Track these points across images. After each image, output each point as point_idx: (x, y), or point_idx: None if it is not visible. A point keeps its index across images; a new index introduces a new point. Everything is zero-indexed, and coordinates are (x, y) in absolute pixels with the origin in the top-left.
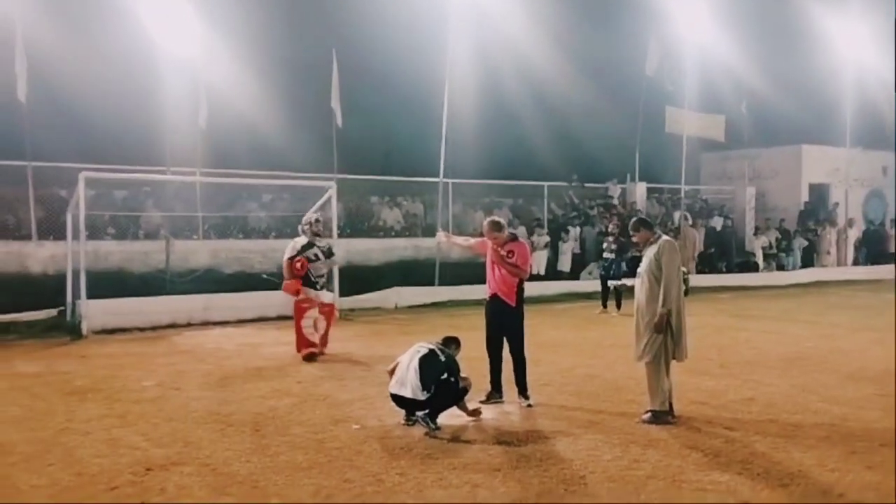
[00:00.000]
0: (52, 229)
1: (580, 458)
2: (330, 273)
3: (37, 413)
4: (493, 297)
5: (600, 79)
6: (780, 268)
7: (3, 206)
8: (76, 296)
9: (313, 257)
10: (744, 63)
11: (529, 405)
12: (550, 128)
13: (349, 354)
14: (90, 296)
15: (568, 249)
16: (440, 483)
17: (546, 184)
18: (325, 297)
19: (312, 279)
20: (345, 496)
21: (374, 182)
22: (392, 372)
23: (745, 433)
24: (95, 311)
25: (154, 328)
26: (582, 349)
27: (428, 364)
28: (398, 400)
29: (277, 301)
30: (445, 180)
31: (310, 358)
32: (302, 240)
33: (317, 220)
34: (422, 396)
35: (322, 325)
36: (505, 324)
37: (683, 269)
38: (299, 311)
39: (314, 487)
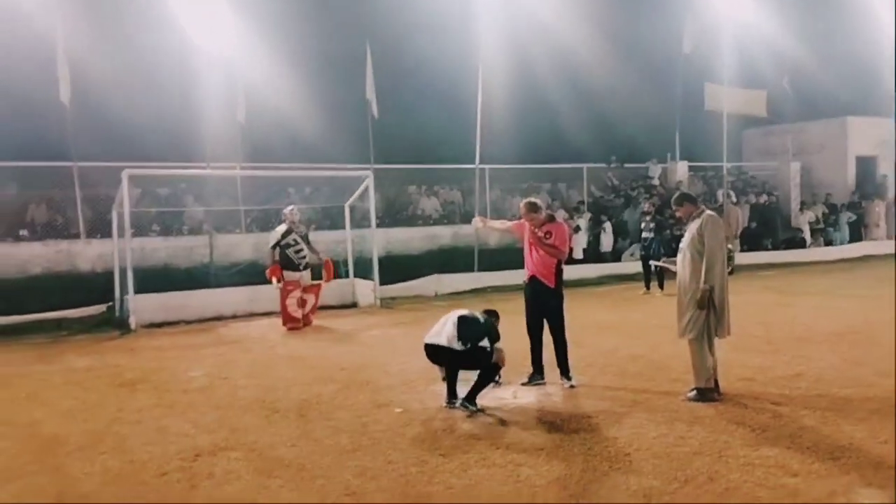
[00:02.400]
0: (100, 228)
1: (624, 437)
2: (366, 263)
3: (89, 405)
4: (532, 278)
5: (637, 57)
6: (828, 243)
7: (52, 207)
8: (124, 291)
9: (293, 242)
10: (784, 35)
11: (572, 386)
12: (587, 109)
13: (391, 341)
14: (137, 291)
15: (609, 230)
16: (483, 463)
17: (585, 166)
18: (307, 277)
19: (295, 262)
20: (389, 477)
21: (410, 171)
22: None
23: (793, 408)
24: (143, 306)
25: (200, 321)
26: (625, 330)
27: (467, 323)
28: (432, 351)
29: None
30: (482, 166)
31: (293, 329)
32: (282, 228)
33: (291, 210)
34: (457, 346)
35: (311, 300)
36: (544, 305)
37: (729, 246)
38: (285, 292)
39: (358, 469)
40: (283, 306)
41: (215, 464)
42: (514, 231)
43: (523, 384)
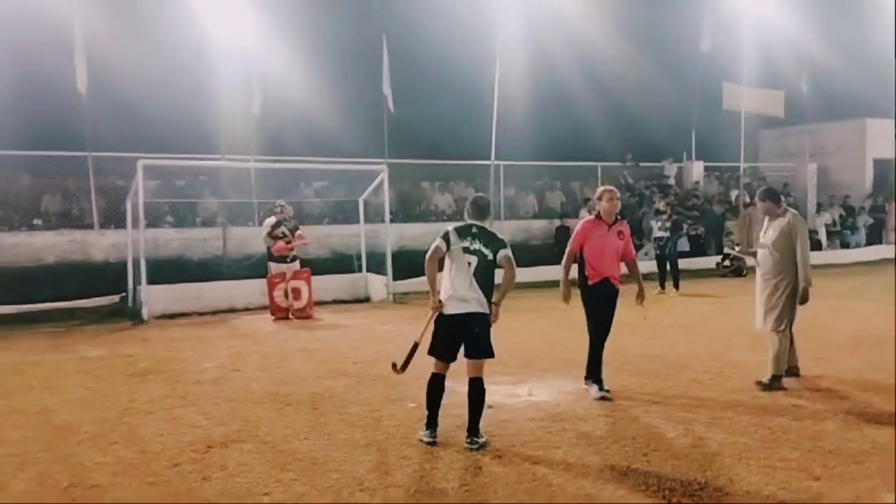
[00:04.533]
0: (113, 218)
1: (642, 437)
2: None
3: (101, 394)
4: (605, 280)
5: (655, 55)
6: (845, 245)
7: (66, 196)
8: (137, 282)
9: (281, 235)
10: (804, 34)
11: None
12: (603, 107)
13: (403, 336)
14: (150, 282)
15: None
16: (499, 460)
17: (599, 164)
18: (296, 267)
19: (283, 254)
20: (403, 472)
21: (425, 166)
22: (433, 264)
23: (814, 411)
24: (156, 297)
25: (213, 313)
26: (640, 329)
27: (483, 273)
28: (459, 318)
29: (332, 285)
30: (497, 162)
31: (280, 319)
32: (272, 219)
33: (281, 206)
34: (488, 308)
35: (305, 290)
36: (613, 307)
37: (737, 247)
38: (271, 285)
39: (373, 464)
40: (271, 297)
41: (228, 455)
42: (575, 247)
43: (596, 399)
